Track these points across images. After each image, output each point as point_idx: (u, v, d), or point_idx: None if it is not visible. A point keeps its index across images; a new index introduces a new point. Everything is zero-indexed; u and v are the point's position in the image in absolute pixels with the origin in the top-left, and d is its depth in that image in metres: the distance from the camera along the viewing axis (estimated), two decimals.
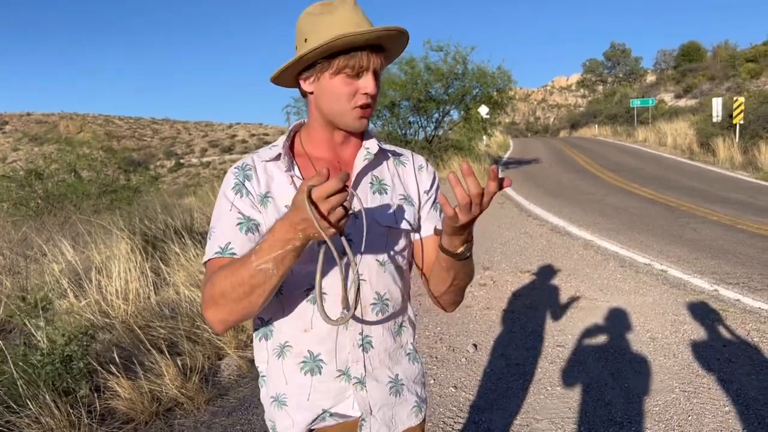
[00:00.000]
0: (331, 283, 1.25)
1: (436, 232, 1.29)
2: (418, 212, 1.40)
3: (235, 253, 1.21)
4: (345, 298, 1.21)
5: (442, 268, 1.27)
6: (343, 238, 1.14)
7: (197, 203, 9.80)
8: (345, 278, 1.20)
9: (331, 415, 1.32)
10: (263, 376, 1.37)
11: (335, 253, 1.09)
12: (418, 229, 1.41)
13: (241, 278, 1.10)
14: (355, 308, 1.20)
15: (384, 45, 1.24)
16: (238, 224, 1.24)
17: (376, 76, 1.25)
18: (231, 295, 1.13)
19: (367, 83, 1.23)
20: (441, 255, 1.23)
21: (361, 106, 1.25)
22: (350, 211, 1.00)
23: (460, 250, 1.20)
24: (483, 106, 18.06)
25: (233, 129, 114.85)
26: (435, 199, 1.43)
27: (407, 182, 1.40)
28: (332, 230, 1.01)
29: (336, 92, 1.23)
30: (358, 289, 1.22)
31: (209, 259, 1.25)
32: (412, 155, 1.45)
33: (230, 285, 1.12)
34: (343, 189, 0.98)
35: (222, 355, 4.17)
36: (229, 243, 1.23)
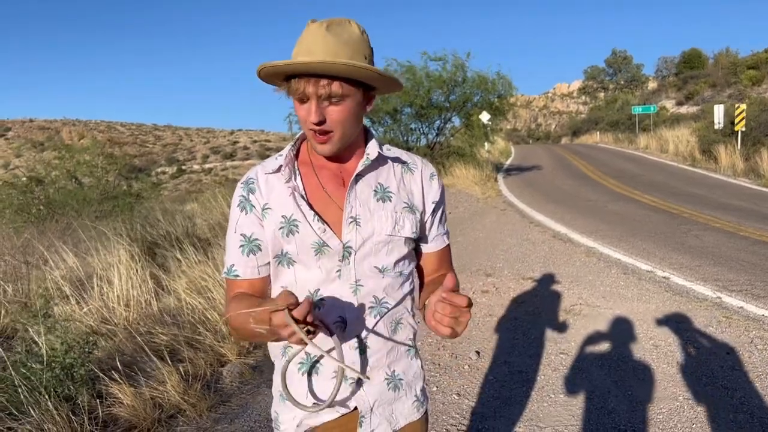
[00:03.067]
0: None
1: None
2: (422, 220, 1.42)
3: (238, 275, 1.35)
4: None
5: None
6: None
7: (199, 210, 9.80)
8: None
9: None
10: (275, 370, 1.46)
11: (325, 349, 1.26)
12: (421, 237, 1.44)
13: (246, 327, 1.21)
14: (334, 398, 1.29)
15: (338, 74, 1.20)
16: (240, 246, 1.35)
17: (329, 100, 1.22)
18: (242, 333, 1.29)
19: (309, 111, 1.22)
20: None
21: (312, 130, 1.25)
22: (314, 330, 1.14)
23: None
24: (484, 112, 18.08)
25: (235, 135, 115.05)
26: (441, 213, 1.47)
27: (412, 190, 1.40)
28: (307, 341, 1.09)
29: (297, 114, 1.27)
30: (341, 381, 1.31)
31: (225, 276, 1.38)
32: (422, 163, 1.45)
33: (240, 326, 1.25)
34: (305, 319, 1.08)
35: (224, 361, 4.16)
36: (233, 265, 1.36)
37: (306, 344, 1.14)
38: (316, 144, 1.27)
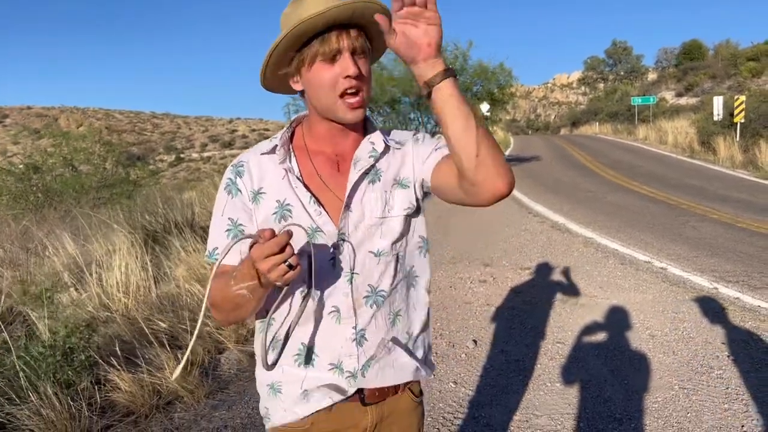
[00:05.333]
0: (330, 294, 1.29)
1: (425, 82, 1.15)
2: (415, 189, 1.34)
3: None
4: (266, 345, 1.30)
5: (448, 120, 1.20)
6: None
7: (198, 197, 9.79)
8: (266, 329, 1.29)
9: (323, 386, 1.32)
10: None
11: (301, 298, 1.24)
12: (418, 209, 1.37)
13: (227, 296, 1.15)
14: (282, 351, 1.30)
15: (360, 22, 1.18)
16: (227, 230, 1.28)
17: (359, 55, 1.19)
18: (223, 307, 1.20)
19: (345, 65, 1.17)
20: (436, 105, 1.17)
21: (347, 92, 1.19)
22: (296, 265, 1.05)
23: (435, 72, 1.12)
24: (484, 103, 18.02)
25: (233, 124, 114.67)
26: (436, 146, 1.33)
27: (404, 161, 1.34)
28: (277, 282, 1.06)
29: (318, 83, 1.20)
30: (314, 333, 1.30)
31: (206, 259, 1.32)
32: (412, 138, 1.38)
33: (220, 299, 1.19)
34: (283, 249, 1.02)
35: (222, 348, 4.18)
36: (216, 248, 1.29)
37: (288, 283, 1.08)
38: (347, 113, 1.21)
